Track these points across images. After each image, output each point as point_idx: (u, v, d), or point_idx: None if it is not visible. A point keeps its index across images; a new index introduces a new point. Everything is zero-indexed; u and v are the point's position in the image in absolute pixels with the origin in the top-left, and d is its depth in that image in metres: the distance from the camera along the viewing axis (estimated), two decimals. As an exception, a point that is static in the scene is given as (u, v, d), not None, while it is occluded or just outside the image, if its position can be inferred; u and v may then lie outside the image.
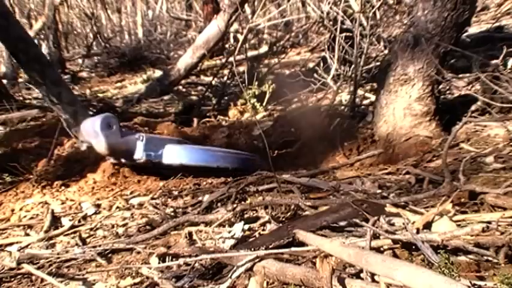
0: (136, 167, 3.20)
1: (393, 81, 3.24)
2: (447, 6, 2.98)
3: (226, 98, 5.89)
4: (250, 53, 7.11)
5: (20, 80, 8.55)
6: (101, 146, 3.00)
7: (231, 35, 8.06)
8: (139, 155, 3.01)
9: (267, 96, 5.10)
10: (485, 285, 1.35)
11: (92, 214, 2.62)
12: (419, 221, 1.73)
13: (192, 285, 1.65)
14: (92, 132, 3.04)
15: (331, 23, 4.78)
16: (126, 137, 3.08)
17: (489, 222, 1.66)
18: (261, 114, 4.93)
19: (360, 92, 4.38)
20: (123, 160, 3.13)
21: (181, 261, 1.80)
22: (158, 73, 7.93)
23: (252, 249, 1.75)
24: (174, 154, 3.10)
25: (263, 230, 2.06)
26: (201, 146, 3.60)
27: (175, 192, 2.79)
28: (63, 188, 3.07)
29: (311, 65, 6.77)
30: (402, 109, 3.23)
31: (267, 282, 1.57)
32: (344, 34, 4.33)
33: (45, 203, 2.82)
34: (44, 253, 2.15)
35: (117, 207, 2.65)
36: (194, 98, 6.38)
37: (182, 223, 2.22)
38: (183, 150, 3.16)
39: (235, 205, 2.29)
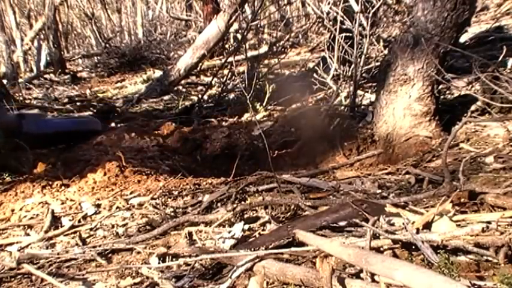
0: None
1: (393, 81, 3.25)
2: (447, 6, 2.99)
3: (226, 98, 5.88)
4: (250, 53, 7.10)
5: (20, 80, 8.56)
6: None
7: (231, 35, 8.05)
8: (25, 129, 3.67)
9: (267, 96, 5.10)
10: (485, 285, 1.35)
11: (92, 214, 2.62)
12: (419, 221, 1.73)
13: (192, 285, 1.65)
14: None
15: (331, 23, 4.78)
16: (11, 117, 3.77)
17: (489, 222, 1.67)
18: (261, 114, 4.93)
19: (359, 92, 4.38)
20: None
21: (181, 261, 1.80)
22: (158, 73, 7.93)
23: (252, 249, 1.75)
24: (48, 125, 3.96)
25: (263, 230, 2.06)
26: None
27: (175, 192, 2.79)
28: (63, 188, 3.06)
29: (311, 65, 6.77)
30: (402, 109, 3.23)
31: (267, 282, 1.57)
32: (344, 34, 4.33)
33: (45, 203, 2.82)
34: (44, 253, 2.15)
35: (117, 207, 2.65)
36: (194, 98, 6.37)
37: (182, 223, 2.22)
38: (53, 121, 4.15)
39: (235, 205, 2.29)
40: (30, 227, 2.55)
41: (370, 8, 4.02)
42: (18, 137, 3.62)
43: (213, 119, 4.98)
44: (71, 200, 2.85)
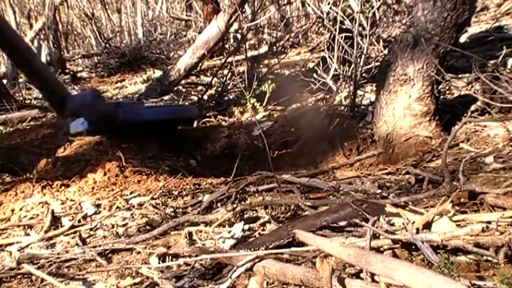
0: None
1: (393, 81, 3.25)
2: (447, 6, 2.99)
3: (226, 98, 5.88)
4: (250, 53, 7.10)
5: (20, 80, 8.55)
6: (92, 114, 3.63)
7: (231, 35, 8.05)
8: (121, 117, 3.73)
9: (267, 96, 5.10)
10: (485, 285, 1.35)
11: (92, 214, 2.62)
12: (419, 221, 1.73)
13: (192, 285, 1.65)
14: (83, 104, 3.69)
15: (330, 23, 4.78)
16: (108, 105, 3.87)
17: (489, 222, 1.67)
18: (261, 114, 4.92)
19: (359, 92, 4.38)
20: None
21: (181, 261, 1.80)
22: (158, 73, 7.92)
23: (252, 249, 1.75)
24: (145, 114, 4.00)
25: (263, 230, 2.06)
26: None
27: (175, 192, 2.79)
28: (63, 188, 3.06)
29: (311, 65, 6.77)
30: (402, 109, 3.23)
31: (267, 282, 1.57)
32: (344, 34, 4.33)
33: (45, 203, 2.82)
34: (44, 253, 2.15)
35: (117, 207, 2.65)
36: (194, 98, 6.37)
37: (182, 223, 2.22)
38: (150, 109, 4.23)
39: (235, 205, 2.29)
40: (30, 227, 2.55)
41: (370, 8, 4.02)
42: (114, 124, 3.73)
43: (213, 119, 4.98)
44: (71, 200, 2.85)
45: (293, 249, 1.70)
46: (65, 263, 2.02)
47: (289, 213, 2.18)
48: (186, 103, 5.89)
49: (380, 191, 2.35)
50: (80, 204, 2.78)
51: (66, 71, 10.34)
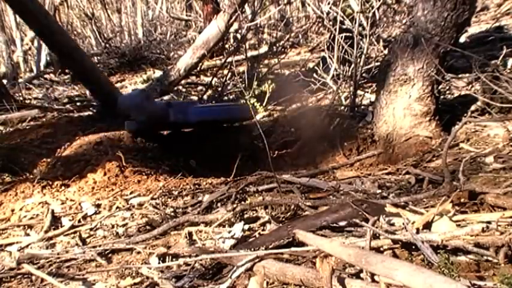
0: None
1: (393, 81, 3.25)
2: (447, 6, 2.99)
3: (226, 98, 5.88)
4: (250, 53, 7.10)
5: (20, 80, 8.55)
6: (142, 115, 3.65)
7: (231, 35, 8.05)
8: (172, 118, 3.73)
9: (267, 96, 5.10)
10: (485, 285, 1.35)
11: (92, 214, 2.62)
12: (419, 221, 1.73)
13: (192, 285, 1.65)
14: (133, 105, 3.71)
15: (330, 23, 4.78)
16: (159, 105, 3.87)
17: (489, 222, 1.67)
18: (261, 114, 4.92)
19: (359, 92, 4.38)
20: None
21: (181, 261, 1.80)
22: (158, 73, 7.92)
23: (252, 249, 1.75)
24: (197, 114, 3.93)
25: (263, 230, 2.06)
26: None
27: (175, 192, 2.79)
28: (63, 188, 3.06)
29: (311, 65, 6.77)
30: (402, 109, 3.23)
31: (267, 282, 1.57)
32: (344, 34, 4.33)
33: (45, 203, 2.82)
34: (44, 253, 2.15)
35: (117, 207, 2.65)
36: (194, 98, 6.37)
37: (182, 223, 2.22)
38: (203, 109, 4.10)
39: (235, 205, 2.29)
40: (30, 227, 2.55)
41: (370, 8, 4.02)
42: (165, 125, 3.76)
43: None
44: (71, 200, 2.85)
45: (293, 249, 1.70)
46: (65, 263, 2.02)
47: (289, 213, 2.18)
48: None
49: (380, 191, 2.35)
50: (80, 204, 2.78)
51: (66, 71, 10.33)
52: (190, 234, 2.10)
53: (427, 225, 1.72)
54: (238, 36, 7.05)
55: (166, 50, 10.01)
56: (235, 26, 6.51)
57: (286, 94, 5.22)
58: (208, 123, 4.02)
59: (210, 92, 6.25)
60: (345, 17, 4.23)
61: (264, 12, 6.74)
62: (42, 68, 10.21)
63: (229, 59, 6.21)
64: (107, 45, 10.70)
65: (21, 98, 6.57)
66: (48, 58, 10.41)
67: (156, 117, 3.73)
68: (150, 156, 3.64)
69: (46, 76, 9.67)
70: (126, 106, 3.79)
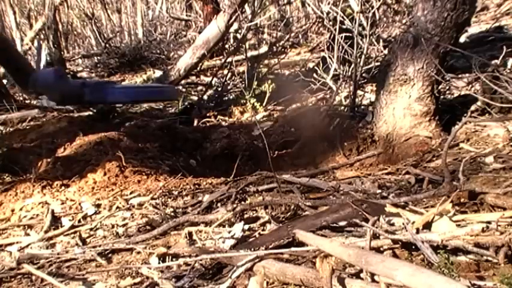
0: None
1: (393, 81, 3.25)
2: (447, 6, 2.99)
3: (226, 98, 5.88)
4: (250, 53, 7.10)
5: (20, 80, 8.53)
6: (54, 95, 3.52)
7: (231, 35, 8.05)
8: (87, 97, 3.61)
9: (267, 96, 5.10)
10: (485, 285, 1.35)
11: (92, 214, 2.62)
12: (419, 221, 1.73)
13: (192, 285, 1.65)
14: (45, 84, 3.57)
15: (330, 23, 4.78)
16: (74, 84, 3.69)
17: (489, 222, 1.67)
18: (261, 114, 4.93)
19: (359, 92, 4.38)
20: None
21: (181, 261, 1.80)
22: (158, 73, 7.92)
23: (252, 249, 1.75)
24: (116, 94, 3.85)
25: (263, 230, 2.06)
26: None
27: (175, 192, 2.79)
28: (63, 188, 3.06)
29: (311, 65, 6.77)
30: (402, 109, 3.23)
31: (267, 282, 1.57)
32: (344, 34, 4.33)
33: (45, 203, 2.82)
34: (44, 253, 2.15)
35: (117, 207, 2.65)
36: (194, 98, 6.37)
37: (182, 223, 2.22)
38: (121, 90, 3.98)
39: (235, 205, 2.29)
40: (30, 227, 2.55)
41: (370, 8, 4.02)
42: (80, 105, 3.66)
43: (213, 119, 4.98)
44: (71, 200, 2.85)
45: (293, 249, 1.70)
46: (65, 263, 2.02)
47: (289, 213, 2.18)
48: (186, 103, 5.88)
49: (380, 191, 2.35)
50: (80, 204, 2.78)
51: (66, 71, 10.33)
52: (190, 234, 2.10)
53: (427, 225, 1.72)
54: (238, 36, 7.05)
55: (166, 50, 10.01)
56: (235, 26, 6.51)
57: (286, 94, 5.23)
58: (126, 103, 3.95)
59: (210, 91, 6.25)
60: (344, 17, 4.23)
61: (264, 12, 6.75)
62: (42, 68, 10.20)
63: (229, 59, 6.21)
64: (107, 45, 10.71)
65: (21, 98, 6.57)
66: (48, 58, 10.38)
67: (70, 96, 3.66)
68: (150, 156, 3.64)
69: (46, 76, 9.65)
70: (38, 86, 3.72)
